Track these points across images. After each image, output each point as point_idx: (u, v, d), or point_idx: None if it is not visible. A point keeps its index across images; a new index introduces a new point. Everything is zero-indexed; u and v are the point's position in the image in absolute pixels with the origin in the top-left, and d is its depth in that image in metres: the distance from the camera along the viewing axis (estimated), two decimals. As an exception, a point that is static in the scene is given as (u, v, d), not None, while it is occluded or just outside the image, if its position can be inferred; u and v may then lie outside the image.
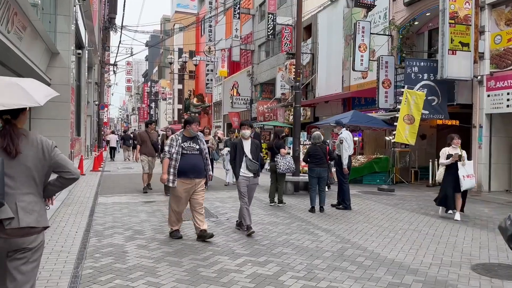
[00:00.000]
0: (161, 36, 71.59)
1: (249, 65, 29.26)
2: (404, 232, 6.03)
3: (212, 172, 6.85)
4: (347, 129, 7.89)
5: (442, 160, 6.75)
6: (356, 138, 13.80)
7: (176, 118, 62.66)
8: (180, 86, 62.20)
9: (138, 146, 10.08)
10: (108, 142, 26.88)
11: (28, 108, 2.41)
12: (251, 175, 5.75)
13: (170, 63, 23.90)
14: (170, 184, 5.31)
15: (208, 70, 38.95)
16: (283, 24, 21.68)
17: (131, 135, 27.79)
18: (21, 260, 2.31)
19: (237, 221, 6.09)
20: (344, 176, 7.39)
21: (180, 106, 61.36)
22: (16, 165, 2.30)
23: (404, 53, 13.89)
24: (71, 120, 14.41)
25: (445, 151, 6.77)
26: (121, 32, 19.64)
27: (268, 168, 8.06)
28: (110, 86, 37.05)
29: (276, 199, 7.89)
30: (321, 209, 7.19)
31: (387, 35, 14.44)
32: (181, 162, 5.27)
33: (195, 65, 25.49)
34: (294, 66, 19.57)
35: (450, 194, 6.60)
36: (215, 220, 6.66)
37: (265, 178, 11.64)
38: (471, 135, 11.34)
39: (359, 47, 13.97)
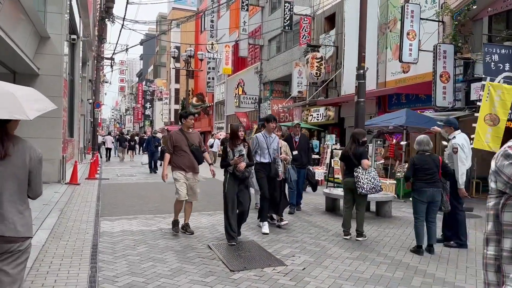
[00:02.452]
0: (157, 33, 69.19)
1: (257, 62, 27.02)
2: None
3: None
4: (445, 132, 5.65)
5: None
6: (403, 143, 11.62)
7: (172, 119, 60.22)
8: (177, 86, 59.86)
9: (167, 157, 6.05)
10: (103, 143, 25.90)
11: None
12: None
13: (173, 57, 21.57)
14: None
15: (209, 68, 36.66)
16: (301, 14, 19.51)
17: (127, 137, 26.54)
18: (7, 260, 2.30)
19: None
20: (458, 200, 5.17)
21: (177, 106, 58.92)
22: (2, 169, 2.29)
23: (460, 43, 11.74)
24: (63, 119, 12.07)
25: None
26: (126, 9, 17.26)
27: (342, 186, 5.79)
28: (106, 82, 34.52)
29: (350, 230, 5.64)
30: (431, 249, 4.95)
31: (438, 21, 12.28)
32: None
33: (201, 59, 23.20)
34: (317, 60, 17.45)
35: None
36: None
37: (318, 199, 9.42)
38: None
39: (408, 34, 11.81)
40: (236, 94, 30.15)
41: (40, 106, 2.44)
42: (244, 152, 5.35)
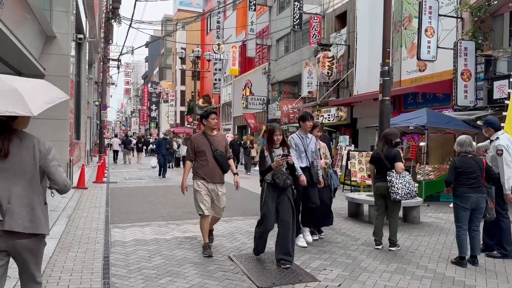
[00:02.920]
0: (162, 35, 69.05)
1: (265, 62, 26.63)
2: None
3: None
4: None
5: None
6: (423, 144, 11.17)
7: (178, 121, 59.95)
8: (183, 87, 59.58)
9: (188, 165, 5.10)
10: (110, 145, 26.76)
11: None
12: None
13: (181, 58, 21.23)
14: None
15: (216, 69, 36.31)
16: (311, 13, 19.09)
17: (131, 139, 26.44)
18: (24, 258, 2.36)
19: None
20: (502, 206, 4.72)
21: (183, 108, 58.61)
22: (7, 167, 2.29)
23: (480, 39, 11.28)
24: (70, 121, 11.73)
25: None
26: (134, 7, 16.93)
27: (373, 191, 5.33)
28: (113, 84, 34.24)
29: (380, 239, 5.21)
30: (474, 260, 4.50)
31: (457, 17, 11.83)
32: None
33: (209, 60, 22.84)
34: (328, 59, 17.01)
35: None
36: None
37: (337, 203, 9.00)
38: None
39: (426, 31, 11.38)
40: (243, 95, 29.76)
41: (50, 98, 2.42)
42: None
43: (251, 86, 28.65)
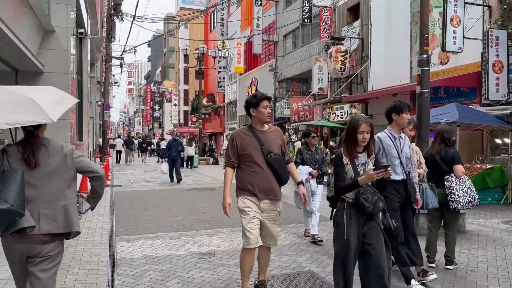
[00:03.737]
0: (165, 33, 68.38)
1: (271, 59, 25.84)
2: None
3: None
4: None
5: None
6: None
7: (182, 120, 59.26)
8: (186, 87, 58.90)
9: (228, 174, 3.62)
10: (113, 146, 27.02)
11: None
12: None
13: (185, 55, 20.48)
14: None
15: (220, 67, 35.56)
16: (321, 6, 18.29)
17: (133, 140, 27.42)
18: (40, 265, 2.41)
19: None
20: None
21: (186, 108, 57.94)
22: (38, 174, 2.39)
23: (510, 28, 10.47)
24: (71, 121, 10.98)
25: None
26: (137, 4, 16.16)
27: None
28: (116, 83, 33.56)
29: (434, 256, 4.42)
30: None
31: (483, 5, 11.02)
32: None
33: (214, 57, 22.13)
34: (341, 53, 16.22)
35: None
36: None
37: None
38: None
39: (451, 20, 10.56)
40: (249, 93, 29.00)
41: (62, 102, 2.54)
42: (371, 164, 3.11)
43: (257, 84, 27.89)
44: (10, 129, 2.44)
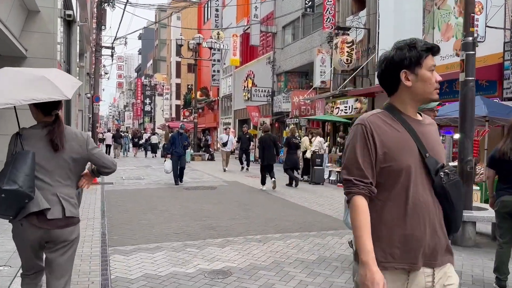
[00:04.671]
0: (156, 20, 67.01)
1: (269, 51, 24.91)
2: None
3: None
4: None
5: None
6: (457, 136, 9.56)
7: (174, 115, 58.09)
8: (178, 80, 57.71)
9: (361, 208, 1.59)
10: (103, 140, 26.42)
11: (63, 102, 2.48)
12: None
13: (180, 46, 19.46)
14: None
15: (214, 60, 34.51)
16: (324, -6, 17.39)
17: (121, 134, 27.08)
18: (59, 251, 2.38)
19: None
20: None
21: (178, 102, 56.78)
22: (55, 158, 2.37)
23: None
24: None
25: None
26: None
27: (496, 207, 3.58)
28: (106, 73, 32.29)
29: (506, 278, 3.57)
30: None
31: (507, -9, 10.21)
32: None
33: (211, 48, 21.17)
34: (347, 44, 15.37)
35: None
36: None
37: None
38: None
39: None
40: (245, 87, 28.07)
41: (72, 83, 2.60)
42: None
43: (253, 77, 26.96)
44: (16, 113, 2.44)
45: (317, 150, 11.19)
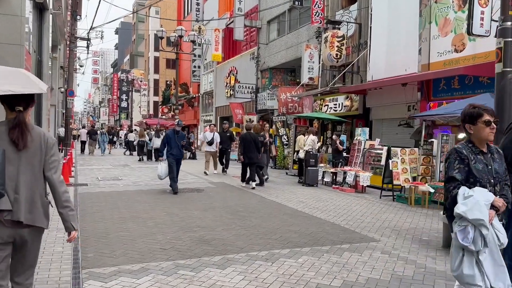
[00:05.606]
0: (134, 20, 65.28)
1: (253, 47, 24.09)
2: None
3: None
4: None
5: None
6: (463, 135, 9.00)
7: (152, 112, 56.58)
8: (157, 76, 56.21)
9: None
10: (78, 136, 26.78)
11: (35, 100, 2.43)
12: None
13: (161, 38, 18.39)
14: None
15: (195, 56, 33.44)
16: (314, -13, 16.67)
17: (97, 131, 25.87)
18: (25, 247, 2.39)
19: None
20: None
21: (157, 98, 55.29)
22: (19, 158, 2.31)
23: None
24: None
25: None
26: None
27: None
28: (81, 66, 30.75)
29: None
30: None
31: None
32: None
33: (193, 41, 20.21)
34: (338, 39, 14.71)
35: None
36: None
37: (423, 222, 6.81)
38: None
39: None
40: (227, 83, 27.18)
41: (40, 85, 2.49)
42: None
43: (236, 73, 26.09)
44: None
45: (310, 150, 10.45)
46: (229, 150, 14.66)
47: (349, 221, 6.28)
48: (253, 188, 9.81)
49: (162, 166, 9.25)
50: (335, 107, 15.61)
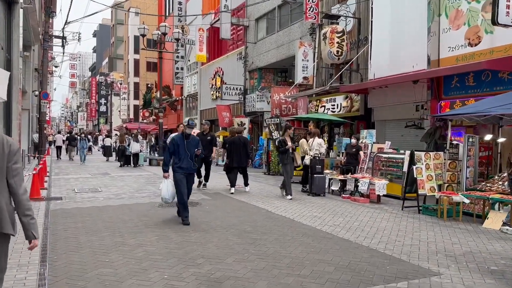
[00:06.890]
0: (113, 22, 63.43)
1: (240, 46, 22.94)
2: None
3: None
4: None
5: None
6: (501, 140, 8.08)
7: (132, 116, 54.77)
8: (137, 79, 54.50)
9: None
10: (54, 142, 25.56)
11: None
12: None
13: (142, 35, 17.05)
14: None
15: (178, 57, 32.10)
16: (307, -19, 15.63)
17: (76, 136, 24.95)
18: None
19: None
20: None
21: (137, 102, 53.54)
22: None
23: None
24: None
25: None
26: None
27: None
28: (57, 66, 29.00)
29: None
30: None
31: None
32: None
33: (177, 39, 18.92)
34: (338, 34, 13.66)
35: None
36: None
37: (434, 234, 5.64)
38: None
39: (505, -15, 8.23)
40: (212, 85, 25.95)
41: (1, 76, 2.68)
42: None
43: (223, 74, 24.90)
44: None
45: (317, 155, 9.31)
46: (210, 159, 10.84)
47: (387, 243, 5.15)
48: (246, 191, 10.01)
49: (168, 185, 6.71)
50: (333, 108, 14.56)
